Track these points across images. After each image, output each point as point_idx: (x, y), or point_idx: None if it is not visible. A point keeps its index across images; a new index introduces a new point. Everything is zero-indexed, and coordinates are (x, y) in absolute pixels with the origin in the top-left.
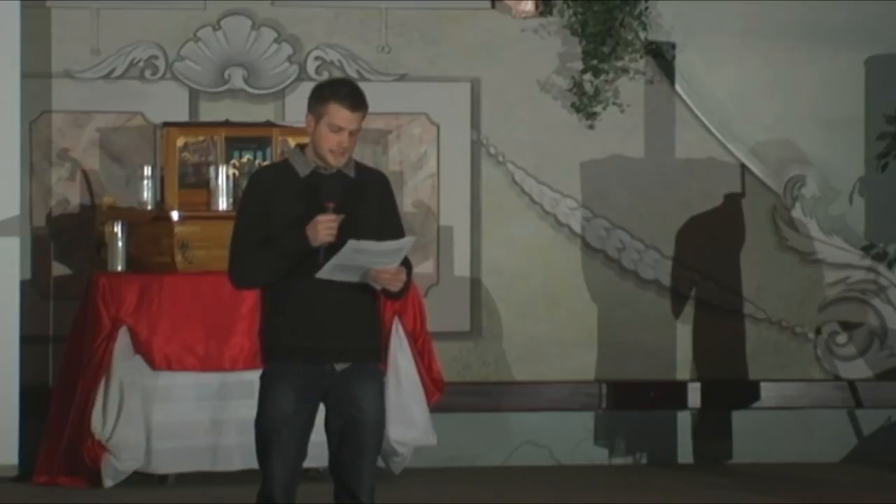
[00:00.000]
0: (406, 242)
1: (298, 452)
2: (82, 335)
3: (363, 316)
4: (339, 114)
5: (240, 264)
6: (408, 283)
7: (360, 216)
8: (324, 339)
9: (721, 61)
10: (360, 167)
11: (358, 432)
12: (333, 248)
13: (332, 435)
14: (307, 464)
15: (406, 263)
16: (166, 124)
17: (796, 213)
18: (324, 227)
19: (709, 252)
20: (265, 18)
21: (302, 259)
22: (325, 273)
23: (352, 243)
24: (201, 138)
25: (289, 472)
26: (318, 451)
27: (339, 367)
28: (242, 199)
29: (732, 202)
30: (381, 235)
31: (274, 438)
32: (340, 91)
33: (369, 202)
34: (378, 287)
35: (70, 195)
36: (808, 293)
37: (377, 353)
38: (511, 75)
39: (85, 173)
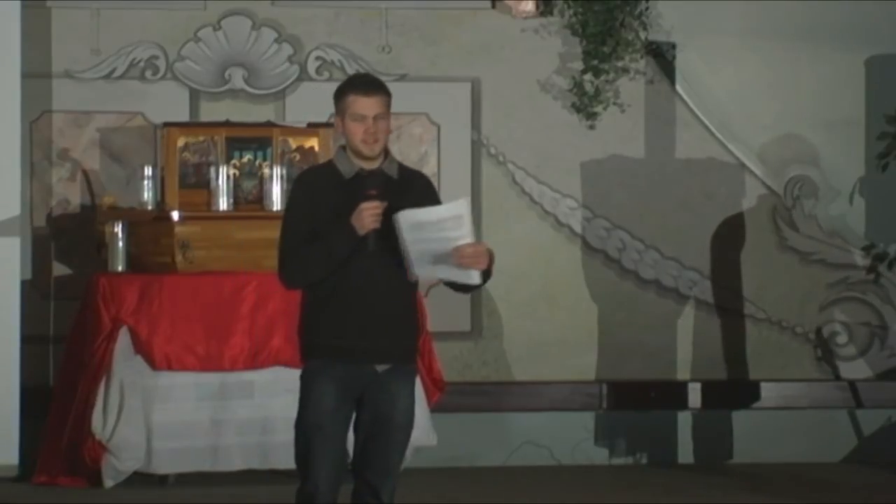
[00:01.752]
0: (461, 204)
1: (341, 451)
2: (83, 335)
3: (404, 317)
4: (358, 102)
5: (290, 264)
6: (489, 270)
7: (403, 209)
8: (367, 339)
9: (721, 61)
10: (403, 168)
11: (389, 430)
12: (381, 234)
13: (359, 432)
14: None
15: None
16: (167, 124)
17: (796, 213)
18: (368, 213)
19: (709, 252)
20: (265, 18)
21: (351, 251)
22: (418, 270)
23: (401, 217)
24: (202, 138)
25: (334, 470)
26: None
27: (381, 368)
28: (289, 200)
29: (732, 202)
30: None
31: (318, 434)
32: (354, 81)
33: (413, 201)
34: (476, 280)
35: (70, 195)
36: (808, 293)
37: (415, 355)
38: (511, 75)
39: (85, 173)
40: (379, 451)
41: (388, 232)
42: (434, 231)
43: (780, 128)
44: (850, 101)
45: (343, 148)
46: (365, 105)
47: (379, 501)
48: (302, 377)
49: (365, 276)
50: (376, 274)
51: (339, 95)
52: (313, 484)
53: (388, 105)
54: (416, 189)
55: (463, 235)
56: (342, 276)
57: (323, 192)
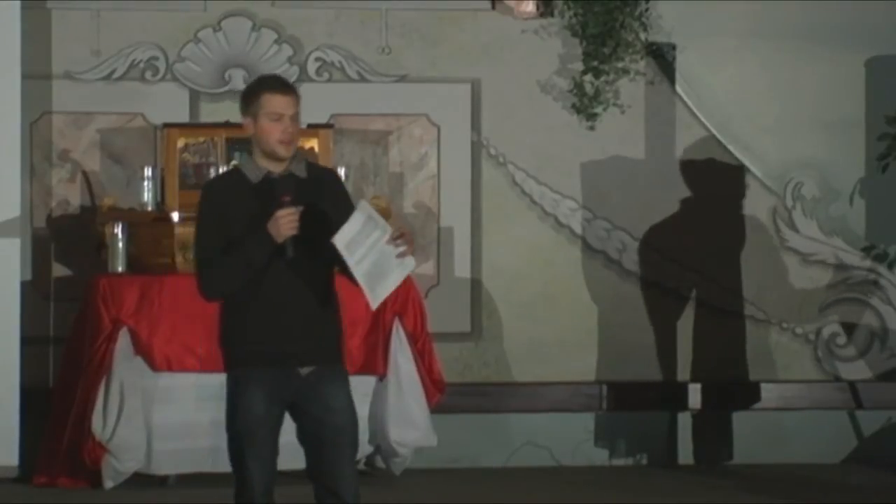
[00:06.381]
0: (363, 206)
1: (273, 452)
2: (83, 336)
3: (324, 320)
4: (274, 101)
5: (208, 275)
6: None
7: (317, 211)
8: (288, 344)
9: (721, 62)
10: (311, 167)
11: (333, 434)
12: (298, 241)
13: (306, 442)
14: (293, 465)
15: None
16: (167, 125)
17: (797, 213)
18: (285, 220)
19: (709, 252)
20: (265, 19)
21: (268, 259)
22: (374, 295)
23: (336, 242)
24: (202, 139)
25: (267, 473)
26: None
27: (304, 371)
28: (199, 212)
29: (732, 202)
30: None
31: (249, 441)
32: (268, 81)
33: (325, 198)
34: (414, 266)
35: (70, 196)
36: (808, 294)
37: (340, 356)
38: (511, 76)
39: (85, 174)
40: (328, 457)
41: (305, 236)
42: (363, 241)
43: (780, 129)
44: (851, 102)
45: (249, 153)
46: (282, 103)
47: (342, 502)
48: (228, 385)
49: (282, 281)
50: (293, 278)
51: (252, 96)
52: (249, 489)
53: (299, 107)
54: (326, 186)
55: (384, 231)
56: (259, 282)
57: (233, 199)
